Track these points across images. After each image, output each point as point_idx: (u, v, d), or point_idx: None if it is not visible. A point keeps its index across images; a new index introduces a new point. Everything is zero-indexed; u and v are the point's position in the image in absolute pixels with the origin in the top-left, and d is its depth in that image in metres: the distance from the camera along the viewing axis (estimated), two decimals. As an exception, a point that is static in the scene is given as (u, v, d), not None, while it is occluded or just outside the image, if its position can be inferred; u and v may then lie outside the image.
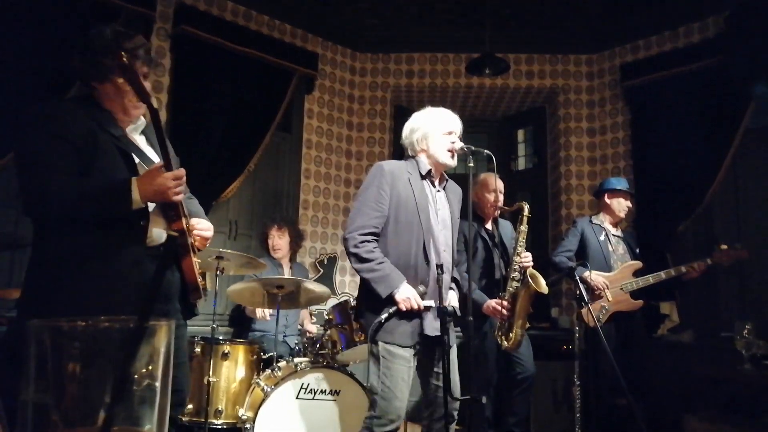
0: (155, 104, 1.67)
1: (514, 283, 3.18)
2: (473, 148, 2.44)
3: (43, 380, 0.68)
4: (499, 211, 3.45)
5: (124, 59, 1.57)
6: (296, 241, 4.18)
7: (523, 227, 3.25)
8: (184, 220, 1.75)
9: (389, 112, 5.45)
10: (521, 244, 3.22)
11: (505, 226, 3.60)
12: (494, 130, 6.05)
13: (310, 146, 5.06)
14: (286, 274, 4.01)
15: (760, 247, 4.04)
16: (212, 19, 4.41)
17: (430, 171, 2.46)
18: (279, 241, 4.01)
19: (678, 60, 4.54)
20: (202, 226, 1.92)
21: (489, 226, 3.51)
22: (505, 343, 3.18)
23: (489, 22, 4.57)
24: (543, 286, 3.06)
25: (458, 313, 2.19)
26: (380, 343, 2.24)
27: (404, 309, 2.22)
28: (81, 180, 1.62)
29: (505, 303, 3.14)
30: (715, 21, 4.43)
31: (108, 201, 1.62)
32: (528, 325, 3.32)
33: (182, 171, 1.69)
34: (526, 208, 3.27)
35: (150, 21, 4.09)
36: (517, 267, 3.19)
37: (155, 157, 1.85)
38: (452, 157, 2.45)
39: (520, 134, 5.99)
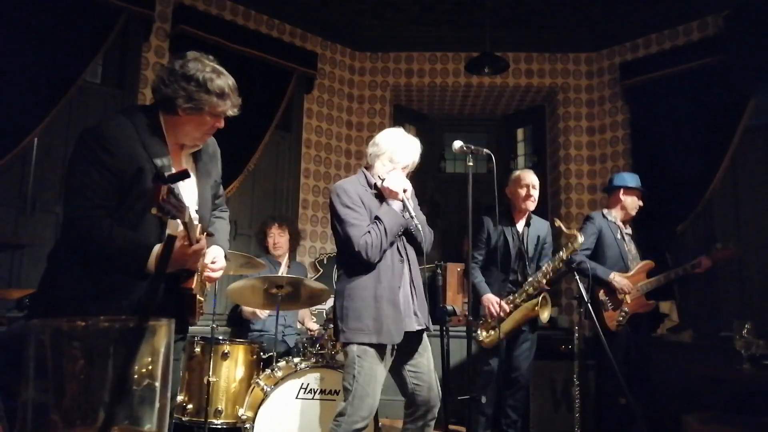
0: None
1: (525, 296, 3.23)
2: (472, 147, 2.44)
3: (43, 380, 0.68)
4: (532, 206, 3.38)
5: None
6: (295, 239, 4.21)
7: (563, 254, 3.20)
8: (195, 277, 1.74)
9: (389, 111, 5.45)
10: (553, 265, 3.20)
11: (541, 227, 3.50)
12: (494, 129, 6.05)
13: (309, 145, 5.06)
14: (283, 272, 4.01)
15: (759, 247, 4.04)
16: (211, 19, 4.41)
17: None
18: (280, 239, 4.04)
19: (677, 58, 4.54)
20: (215, 267, 1.87)
21: (519, 226, 3.44)
22: (482, 336, 3.24)
23: (488, 20, 4.57)
24: (545, 316, 3.19)
25: (457, 312, 2.22)
26: (355, 346, 2.27)
27: (399, 198, 2.31)
28: (109, 226, 1.60)
29: (505, 307, 3.20)
30: (714, 20, 4.44)
31: (123, 261, 1.63)
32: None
33: (203, 243, 1.66)
34: (580, 239, 3.15)
35: (149, 21, 4.09)
36: (536, 284, 3.21)
37: (194, 190, 1.81)
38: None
39: (520, 133, 5.99)
